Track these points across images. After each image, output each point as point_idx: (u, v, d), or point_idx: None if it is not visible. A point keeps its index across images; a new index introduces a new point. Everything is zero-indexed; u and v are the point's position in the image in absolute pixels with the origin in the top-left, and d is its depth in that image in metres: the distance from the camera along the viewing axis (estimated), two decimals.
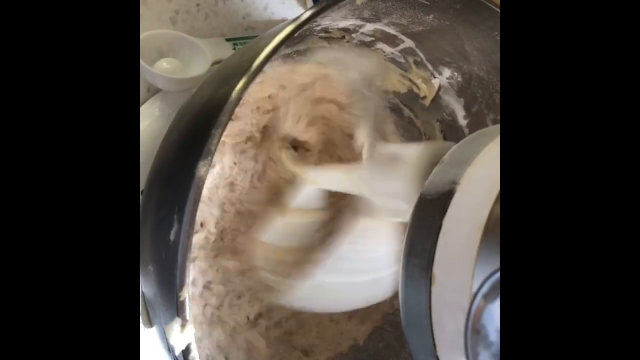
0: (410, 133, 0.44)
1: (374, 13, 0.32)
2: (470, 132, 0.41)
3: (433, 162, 0.26)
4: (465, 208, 0.21)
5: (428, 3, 0.31)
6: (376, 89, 0.37)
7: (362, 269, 0.33)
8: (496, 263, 0.19)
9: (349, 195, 0.35)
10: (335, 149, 0.42)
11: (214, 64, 0.43)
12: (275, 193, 0.40)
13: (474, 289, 0.20)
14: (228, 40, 0.46)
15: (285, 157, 0.38)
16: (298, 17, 0.26)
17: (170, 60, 0.43)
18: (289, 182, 0.38)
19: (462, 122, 0.41)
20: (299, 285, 0.33)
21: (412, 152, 0.28)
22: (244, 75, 0.24)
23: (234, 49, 0.45)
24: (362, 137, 0.33)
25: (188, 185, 0.22)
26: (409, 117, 0.43)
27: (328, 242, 0.34)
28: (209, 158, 0.22)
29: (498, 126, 0.25)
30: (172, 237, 0.23)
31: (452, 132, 0.42)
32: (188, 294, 0.23)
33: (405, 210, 0.27)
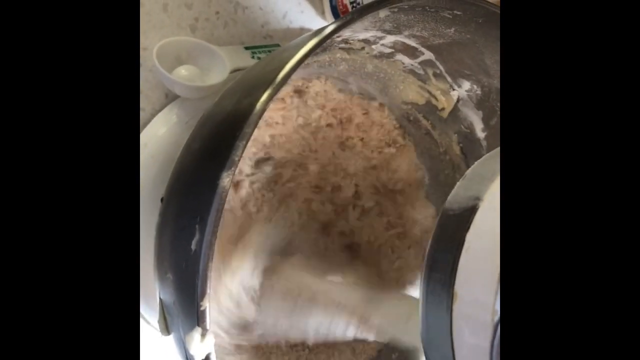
0: (427, 145, 0.44)
1: (395, 25, 0.32)
2: (489, 145, 0.41)
3: None
4: (489, 224, 0.21)
5: (450, 17, 0.31)
6: None
7: None
8: None
9: None
10: None
11: (232, 72, 0.43)
12: None
13: (497, 307, 0.20)
14: (247, 48, 0.46)
15: None
16: (322, 30, 0.26)
17: (189, 68, 0.43)
18: None
19: (481, 134, 0.41)
20: None
21: None
22: (269, 86, 0.24)
23: (253, 57, 0.45)
24: None
25: (211, 196, 0.22)
26: (427, 128, 0.43)
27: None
28: (233, 169, 0.22)
29: None
30: (193, 246, 0.23)
31: (469, 145, 0.42)
32: (209, 303, 0.23)
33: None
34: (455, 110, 0.41)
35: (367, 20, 0.30)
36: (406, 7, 0.28)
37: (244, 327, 0.35)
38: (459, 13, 0.30)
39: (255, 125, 0.23)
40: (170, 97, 0.44)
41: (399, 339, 0.31)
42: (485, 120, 0.40)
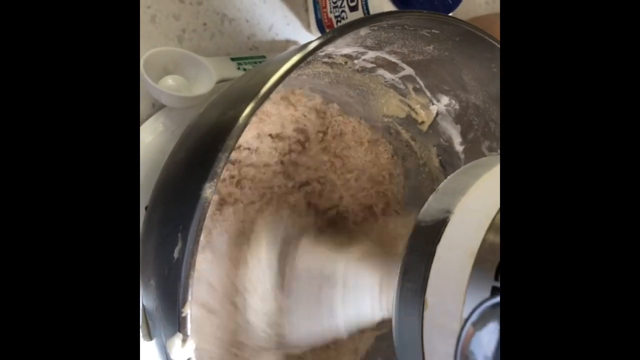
0: (408, 157, 0.46)
1: (376, 42, 0.34)
2: (466, 157, 0.42)
3: None
4: (459, 236, 0.22)
5: (429, 35, 0.32)
6: None
7: None
8: (487, 291, 0.20)
9: None
10: None
11: (218, 82, 0.44)
12: None
13: (465, 315, 0.21)
14: (233, 59, 0.47)
15: None
16: (306, 46, 0.27)
17: (175, 78, 0.44)
18: None
19: (459, 148, 0.42)
20: None
21: None
22: (252, 100, 0.25)
23: (239, 68, 0.46)
24: None
25: (194, 206, 0.23)
26: (407, 140, 0.45)
27: None
28: (215, 180, 0.23)
29: (492, 157, 0.26)
30: (176, 254, 0.24)
31: (448, 157, 0.43)
32: (189, 310, 0.23)
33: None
34: (434, 124, 0.42)
35: (348, 37, 0.31)
36: (385, 25, 0.29)
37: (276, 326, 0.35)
38: (436, 32, 0.31)
39: (238, 138, 0.24)
40: (157, 107, 0.44)
41: None
42: (463, 134, 0.41)
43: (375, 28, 0.30)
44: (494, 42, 0.32)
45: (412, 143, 0.45)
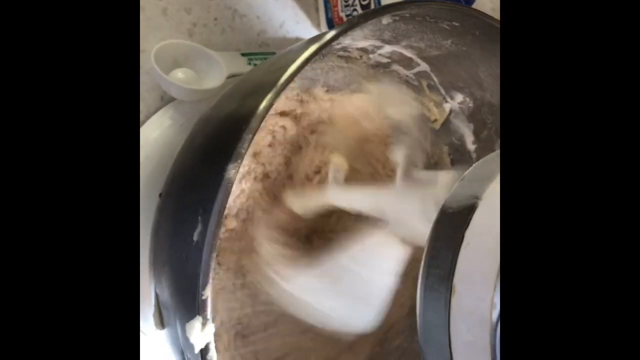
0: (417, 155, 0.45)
1: (394, 35, 0.33)
2: (478, 157, 0.42)
3: None
4: (488, 221, 0.22)
5: (448, 28, 0.32)
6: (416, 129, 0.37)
7: (350, 293, 0.32)
8: None
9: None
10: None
11: (228, 77, 0.44)
12: None
13: (496, 301, 0.20)
14: (243, 54, 0.46)
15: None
16: (324, 34, 0.26)
17: (185, 71, 0.43)
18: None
19: (471, 147, 0.42)
20: (292, 278, 0.32)
21: (444, 179, 0.28)
22: (274, 86, 0.24)
23: (249, 63, 0.46)
24: (399, 158, 0.33)
25: (216, 187, 0.23)
26: (418, 138, 0.44)
27: (331, 246, 0.33)
28: (239, 161, 0.23)
29: None
30: (195, 237, 0.24)
31: (460, 157, 0.43)
32: (210, 294, 0.23)
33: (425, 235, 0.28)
34: (447, 122, 0.42)
35: (368, 28, 0.30)
36: (407, 15, 0.29)
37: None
38: (457, 24, 0.31)
39: (262, 121, 0.23)
40: (166, 100, 0.44)
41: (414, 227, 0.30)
42: (476, 133, 0.41)
43: (397, 18, 0.29)
44: None
45: (424, 142, 0.44)
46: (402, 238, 0.30)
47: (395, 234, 0.30)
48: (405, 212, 0.29)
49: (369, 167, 0.41)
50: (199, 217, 0.24)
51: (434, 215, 0.25)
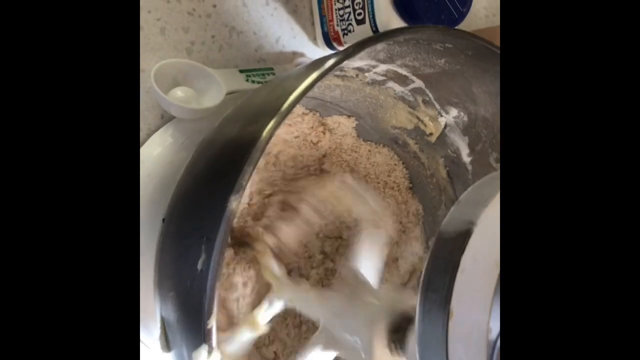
0: (415, 168, 0.46)
1: (389, 55, 0.34)
2: (474, 169, 0.43)
3: (397, 311, 0.29)
4: (482, 247, 0.22)
5: (442, 49, 0.32)
6: None
7: None
8: None
9: None
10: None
11: (227, 94, 0.44)
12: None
13: (492, 325, 0.21)
14: (241, 71, 0.47)
15: (266, 262, 0.38)
16: (324, 61, 0.27)
17: (185, 89, 0.44)
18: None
19: (466, 159, 0.43)
20: None
21: (383, 298, 0.30)
22: (275, 114, 0.25)
23: (247, 80, 0.47)
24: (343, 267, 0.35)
25: (219, 218, 0.23)
26: (414, 151, 0.45)
27: None
28: (240, 192, 0.24)
29: None
30: (199, 266, 0.24)
31: (455, 169, 0.44)
32: (215, 322, 0.24)
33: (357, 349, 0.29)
34: (442, 135, 0.42)
35: (364, 51, 0.31)
36: (401, 40, 0.30)
37: None
38: (449, 46, 0.32)
39: (263, 151, 0.24)
40: (166, 118, 0.45)
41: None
42: (471, 146, 0.42)
43: (391, 42, 0.30)
44: None
45: (420, 154, 0.45)
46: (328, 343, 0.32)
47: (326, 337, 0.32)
48: (338, 325, 0.31)
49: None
50: (203, 246, 0.24)
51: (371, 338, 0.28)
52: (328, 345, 0.32)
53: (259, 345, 0.40)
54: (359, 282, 0.34)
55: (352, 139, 0.45)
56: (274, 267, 0.36)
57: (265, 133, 0.24)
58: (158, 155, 0.44)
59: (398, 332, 0.29)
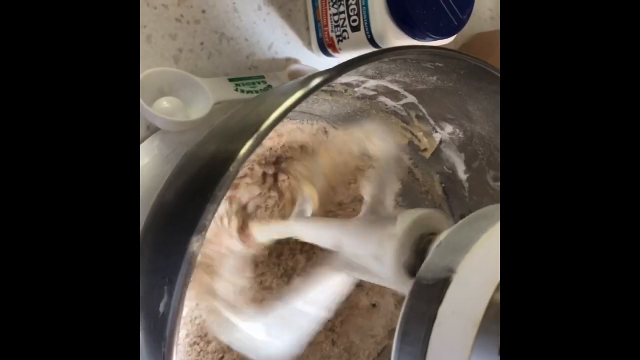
0: (410, 184, 0.44)
1: (377, 72, 0.32)
2: (470, 186, 0.41)
3: (421, 232, 0.27)
4: (462, 299, 0.21)
5: (432, 67, 0.30)
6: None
7: (296, 331, 0.33)
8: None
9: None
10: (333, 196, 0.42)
11: (215, 104, 0.43)
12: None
13: None
14: (231, 80, 0.45)
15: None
16: (308, 82, 0.25)
17: (171, 100, 0.43)
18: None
19: (463, 176, 0.41)
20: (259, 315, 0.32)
21: (405, 221, 0.27)
22: (246, 142, 0.23)
23: (236, 89, 0.45)
24: (365, 194, 0.33)
25: (180, 259, 0.22)
26: (409, 167, 0.43)
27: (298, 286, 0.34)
28: (203, 233, 0.22)
29: (496, 207, 0.24)
30: (161, 308, 0.23)
31: (451, 185, 0.42)
32: None
33: (379, 273, 0.28)
34: (437, 151, 0.40)
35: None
36: (387, 60, 0.28)
37: None
38: (440, 65, 0.30)
39: (228, 188, 0.22)
40: (152, 129, 0.43)
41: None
42: (468, 163, 0.40)
43: (377, 62, 0.28)
44: (500, 74, 0.31)
45: (415, 170, 0.43)
46: (350, 272, 0.31)
47: (345, 265, 0.31)
48: (360, 250, 0.29)
49: (335, 199, 0.40)
50: (165, 287, 0.23)
51: (386, 258, 0.26)
52: (345, 267, 0.31)
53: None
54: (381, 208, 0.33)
55: None
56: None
57: (231, 169, 0.23)
58: (143, 167, 0.42)
59: (416, 258, 0.27)
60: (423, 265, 0.23)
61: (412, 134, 0.40)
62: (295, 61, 0.50)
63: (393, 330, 0.42)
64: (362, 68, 0.28)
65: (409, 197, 0.45)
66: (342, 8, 0.45)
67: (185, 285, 0.22)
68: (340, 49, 0.48)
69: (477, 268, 0.21)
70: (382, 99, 0.37)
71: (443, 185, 0.42)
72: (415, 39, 0.41)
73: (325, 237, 0.33)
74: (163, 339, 0.22)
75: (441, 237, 0.24)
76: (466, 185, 0.41)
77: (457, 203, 0.43)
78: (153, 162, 0.42)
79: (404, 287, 0.26)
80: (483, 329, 0.19)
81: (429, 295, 0.22)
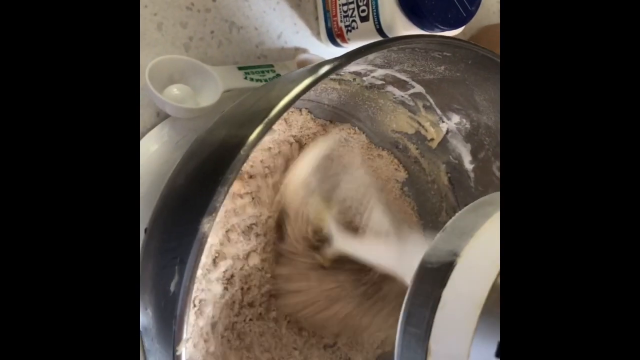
0: (416, 173, 0.45)
1: (386, 61, 0.33)
2: (476, 177, 0.41)
3: None
4: (465, 282, 0.21)
5: (440, 57, 0.31)
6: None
7: None
8: (493, 346, 0.19)
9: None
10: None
11: (225, 92, 0.43)
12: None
13: None
14: (240, 68, 0.46)
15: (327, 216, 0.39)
16: (317, 69, 0.26)
17: (181, 87, 0.43)
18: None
19: (469, 166, 0.41)
20: None
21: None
22: (256, 127, 0.24)
23: (245, 78, 0.45)
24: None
25: (191, 240, 0.22)
26: (415, 157, 0.44)
27: None
28: (214, 215, 0.23)
29: (499, 194, 0.25)
30: (172, 288, 0.23)
31: (457, 176, 0.42)
32: (184, 349, 0.23)
33: None
34: (444, 141, 0.41)
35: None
36: (395, 49, 0.28)
37: None
38: (448, 54, 0.30)
39: (238, 172, 0.23)
40: (162, 116, 0.44)
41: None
42: (474, 153, 0.40)
43: (385, 51, 0.29)
44: None
45: (421, 159, 0.43)
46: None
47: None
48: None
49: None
50: (176, 267, 0.24)
51: None
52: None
53: None
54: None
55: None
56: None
57: (242, 152, 0.23)
58: (153, 153, 0.43)
59: None
60: (428, 249, 0.23)
61: (419, 124, 0.40)
62: (304, 51, 0.51)
63: None
64: (370, 57, 0.28)
65: (415, 186, 0.45)
66: None
67: (196, 265, 0.22)
68: (349, 39, 0.48)
69: (481, 252, 0.22)
70: (390, 88, 0.37)
71: (449, 175, 0.43)
72: (423, 29, 0.42)
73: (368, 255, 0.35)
74: (174, 317, 0.22)
75: (446, 224, 0.24)
76: (472, 175, 0.41)
77: (463, 193, 0.43)
78: (163, 148, 0.43)
79: None
80: (486, 312, 0.20)
81: (433, 278, 0.22)
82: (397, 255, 0.33)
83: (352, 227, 0.40)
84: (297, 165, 0.38)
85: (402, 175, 0.45)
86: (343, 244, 0.37)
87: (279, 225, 0.39)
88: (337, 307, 0.38)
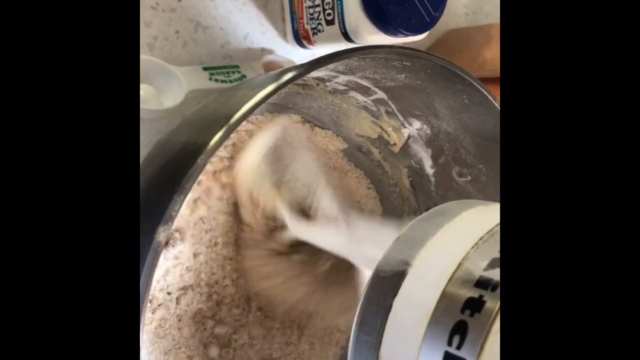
0: (379, 177, 0.45)
1: (348, 68, 0.33)
2: (436, 181, 0.42)
3: None
4: (415, 292, 0.22)
5: (400, 66, 0.31)
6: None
7: None
8: (439, 356, 0.20)
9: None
10: None
11: (189, 92, 0.43)
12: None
13: None
14: (205, 69, 0.46)
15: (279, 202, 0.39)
16: (280, 76, 0.26)
17: (145, 87, 0.43)
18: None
19: (429, 170, 0.42)
20: None
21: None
22: (215, 134, 0.24)
23: (210, 78, 0.45)
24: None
25: (146, 249, 0.23)
26: (378, 160, 0.44)
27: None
28: (169, 224, 0.23)
29: (454, 204, 0.26)
30: None
31: (419, 179, 0.43)
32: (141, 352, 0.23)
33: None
34: (406, 146, 0.41)
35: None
36: (355, 59, 0.29)
37: None
38: (407, 64, 0.31)
39: (195, 180, 0.23)
40: None
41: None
42: (434, 158, 0.41)
43: (345, 61, 0.29)
44: (464, 75, 0.32)
45: (384, 163, 0.44)
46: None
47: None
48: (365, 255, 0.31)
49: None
50: None
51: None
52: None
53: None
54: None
55: None
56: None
57: (199, 161, 0.23)
58: None
59: None
60: (382, 258, 0.24)
61: (382, 128, 0.41)
62: (271, 52, 0.51)
63: None
64: (331, 65, 0.29)
65: (378, 189, 0.46)
66: (317, 1, 0.46)
67: (151, 274, 0.22)
68: (315, 41, 0.48)
69: (432, 262, 0.22)
70: (353, 94, 0.38)
71: (410, 179, 0.44)
72: (388, 34, 0.42)
73: (326, 241, 0.35)
74: None
75: (400, 233, 0.25)
76: (432, 179, 0.42)
77: (424, 196, 0.44)
78: None
79: None
80: (434, 320, 0.20)
81: (385, 286, 0.23)
82: (347, 240, 0.33)
83: (306, 213, 0.40)
84: (246, 153, 0.38)
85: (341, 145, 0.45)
86: (296, 229, 0.37)
87: (237, 215, 0.39)
88: (297, 292, 0.39)
